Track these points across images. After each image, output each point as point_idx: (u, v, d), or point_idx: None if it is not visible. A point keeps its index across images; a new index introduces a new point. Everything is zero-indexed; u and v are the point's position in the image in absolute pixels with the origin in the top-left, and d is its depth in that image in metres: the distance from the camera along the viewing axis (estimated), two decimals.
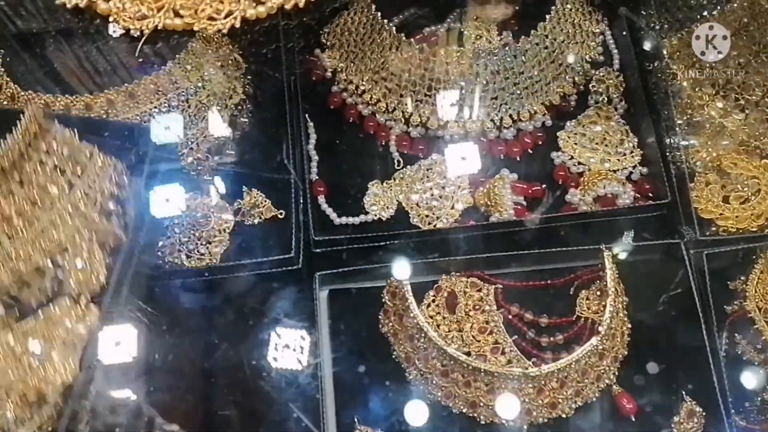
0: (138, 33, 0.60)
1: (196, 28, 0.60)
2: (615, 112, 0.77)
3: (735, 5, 0.72)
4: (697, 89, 0.73)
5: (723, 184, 0.71)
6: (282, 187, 0.73)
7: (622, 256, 0.71)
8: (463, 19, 0.81)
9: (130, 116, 0.72)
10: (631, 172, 0.75)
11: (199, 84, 0.75)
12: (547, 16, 0.77)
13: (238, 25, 0.59)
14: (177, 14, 0.59)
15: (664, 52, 0.75)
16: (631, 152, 0.75)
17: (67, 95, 0.72)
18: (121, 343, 0.66)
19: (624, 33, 0.79)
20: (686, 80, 0.74)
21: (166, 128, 0.74)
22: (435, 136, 0.77)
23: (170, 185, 0.73)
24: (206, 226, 0.71)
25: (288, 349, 0.68)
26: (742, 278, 0.69)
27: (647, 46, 0.77)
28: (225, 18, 0.59)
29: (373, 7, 0.77)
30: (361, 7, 0.78)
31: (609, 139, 0.76)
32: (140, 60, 0.68)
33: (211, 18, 0.59)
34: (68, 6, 0.62)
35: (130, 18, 0.59)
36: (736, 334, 0.68)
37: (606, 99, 0.78)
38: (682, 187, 0.71)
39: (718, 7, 0.74)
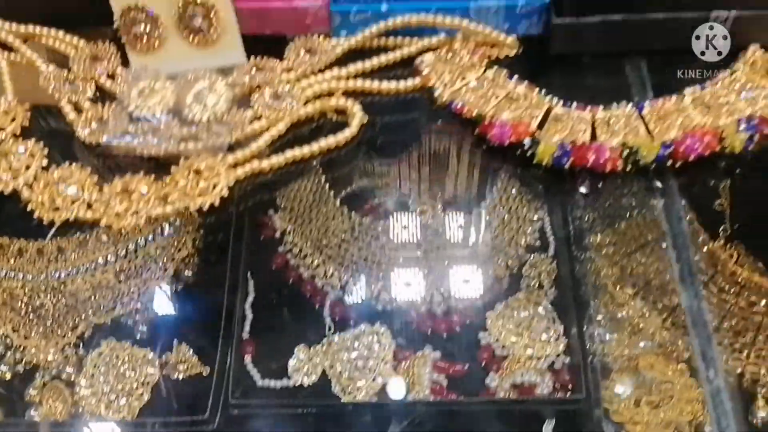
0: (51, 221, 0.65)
1: (102, 224, 0.64)
2: (545, 297, 0.80)
3: (656, 213, 0.75)
4: (618, 287, 0.76)
5: (637, 385, 0.71)
6: (212, 343, 0.76)
7: None
8: (410, 193, 0.86)
9: (79, 264, 0.77)
10: (553, 361, 0.76)
11: (150, 237, 0.79)
12: (488, 199, 0.82)
13: (141, 223, 0.64)
14: (89, 207, 0.64)
15: (594, 246, 0.78)
16: (556, 340, 0.77)
17: (22, 237, 0.77)
18: None
19: (561, 223, 0.83)
20: (608, 277, 0.76)
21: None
22: (369, 305, 0.80)
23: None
24: (130, 377, 0.73)
25: None
26: None
27: (580, 237, 0.81)
28: (131, 216, 0.64)
29: (323, 177, 0.82)
30: (311, 175, 0.83)
31: (535, 325, 0.78)
32: None
33: (118, 215, 0.64)
34: None
35: (46, 209, 0.64)
36: None
37: (537, 284, 0.80)
38: (598, 383, 0.72)
39: (644, 210, 0.78)
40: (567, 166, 0.82)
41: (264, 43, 0.94)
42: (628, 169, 0.82)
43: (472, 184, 0.86)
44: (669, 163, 0.82)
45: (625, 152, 0.81)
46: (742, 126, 0.81)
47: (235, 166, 0.74)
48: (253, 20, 0.93)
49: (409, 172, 0.86)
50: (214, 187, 0.66)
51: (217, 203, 0.65)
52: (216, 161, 0.71)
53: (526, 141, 0.83)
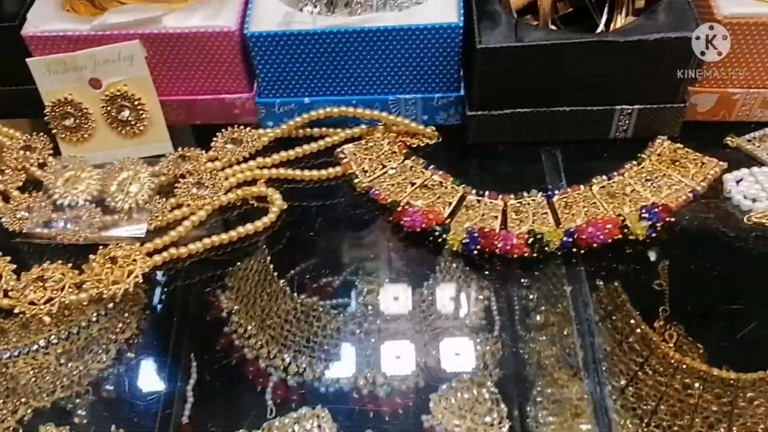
0: None
1: (16, 311, 0.65)
2: (489, 378, 0.79)
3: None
4: (558, 368, 0.75)
5: None
6: (150, 428, 0.75)
7: None
8: (358, 272, 0.87)
9: (20, 345, 0.77)
10: None
11: (93, 318, 0.80)
12: (431, 279, 0.82)
13: (55, 310, 0.65)
14: (6, 294, 0.65)
15: (536, 325, 0.78)
16: (500, 423, 0.76)
17: None
18: None
19: (506, 302, 0.83)
20: (547, 358, 0.75)
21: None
22: (311, 387, 0.79)
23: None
24: None
25: None
26: None
27: (524, 317, 0.80)
28: (44, 304, 0.65)
29: (268, 258, 0.83)
30: (257, 257, 0.84)
31: (478, 408, 0.77)
32: None
33: (32, 303, 0.65)
34: None
35: None
36: None
37: (482, 365, 0.80)
38: None
39: (577, 287, 0.78)
40: (475, 252, 0.83)
41: (197, 131, 0.98)
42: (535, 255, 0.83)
43: (416, 263, 0.87)
44: (575, 250, 0.83)
45: (531, 239, 0.83)
46: (644, 214, 0.83)
47: (152, 253, 0.76)
48: (183, 111, 0.97)
49: (347, 255, 0.87)
50: (129, 274, 0.67)
51: (131, 289, 0.66)
52: (132, 249, 0.73)
53: (437, 228, 0.85)
